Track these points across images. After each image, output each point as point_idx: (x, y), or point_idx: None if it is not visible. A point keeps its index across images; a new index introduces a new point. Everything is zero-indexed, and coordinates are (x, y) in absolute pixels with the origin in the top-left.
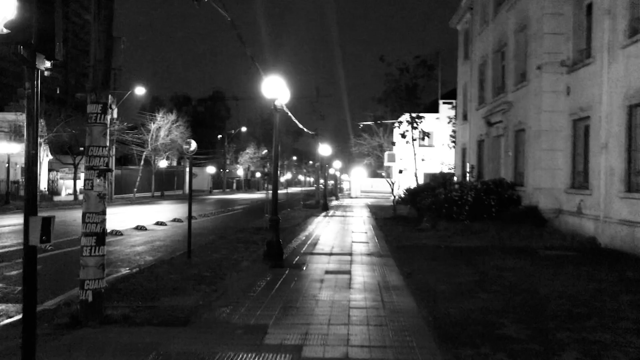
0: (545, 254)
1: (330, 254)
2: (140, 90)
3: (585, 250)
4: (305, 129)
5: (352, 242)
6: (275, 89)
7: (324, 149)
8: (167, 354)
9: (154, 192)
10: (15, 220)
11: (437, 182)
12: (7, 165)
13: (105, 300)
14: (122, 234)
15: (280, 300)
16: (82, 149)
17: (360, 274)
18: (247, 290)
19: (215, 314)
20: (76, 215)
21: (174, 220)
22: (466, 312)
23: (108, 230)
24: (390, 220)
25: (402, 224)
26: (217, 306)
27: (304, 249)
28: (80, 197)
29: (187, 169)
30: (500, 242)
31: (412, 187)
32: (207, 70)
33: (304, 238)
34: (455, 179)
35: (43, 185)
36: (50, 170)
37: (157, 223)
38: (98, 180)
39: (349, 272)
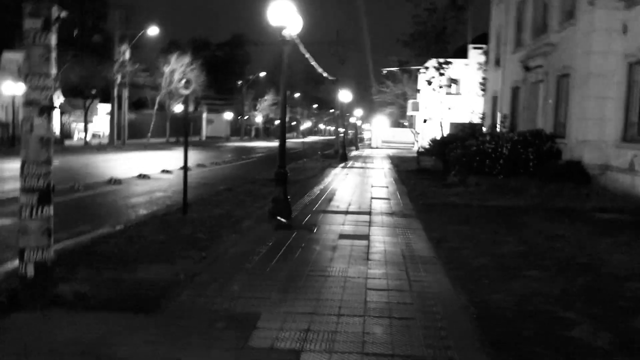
0: (597, 217)
1: (347, 213)
2: (153, 31)
3: None
4: (324, 73)
5: (372, 198)
6: (283, 14)
7: (344, 95)
8: None
9: (168, 137)
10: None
11: (465, 133)
12: (12, 106)
13: (71, 268)
14: (120, 183)
15: (280, 276)
16: (93, 91)
17: (381, 240)
18: (242, 260)
19: (196, 295)
20: (83, 161)
21: (182, 168)
22: (517, 299)
23: (106, 179)
24: (414, 174)
25: (427, 177)
26: (200, 282)
27: (316, 205)
28: (91, 140)
29: (204, 115)
30: (542, 202)
31: (437, 138)
32: (228, 14)
33: (318, 192)
34: (484, 129)
35: (56, 129)
36: (62, 113)
37: (164, 171)
38: (39, 120)
39: (367, 237)
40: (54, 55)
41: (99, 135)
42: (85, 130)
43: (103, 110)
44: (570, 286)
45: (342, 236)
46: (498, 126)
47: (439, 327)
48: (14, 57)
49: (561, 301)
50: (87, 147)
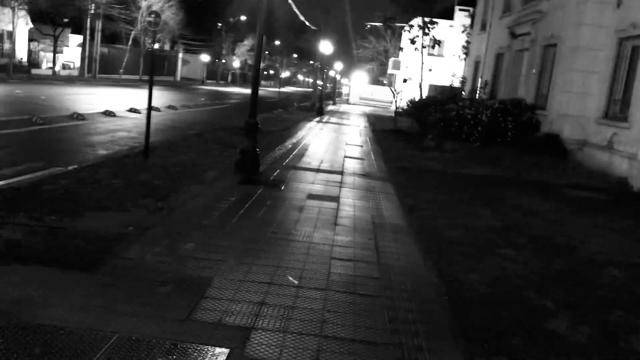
0: (572, 194)
1: (318, 170)
2: None
3: (616, 194)
4: (306, 22)
5: (345, 157)
6: None
7: (325, 47)
8: (27, 326)
9: (141, 75)
10: None
11: (445, 96)
12: None
13: (9, 211)
14: (84, 119)
15: (239, 236)
16: (65, 20)
17: (351, 203)
18: (201, 215)
19: (144, 251)
20: (48, 92)
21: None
22: (491, 280)
23: (69, 113)
24: (390, 134)
25: (403, 139)
26: (151, 237)
27: (287, 160)
28: (59, 71)
29: (180, 55)
30: (518, 174)
31: (416, 99)
32: None
33: (290, 146)
34: (463, 94)
35: (24, 56)
36: (30, 40)
37: (131, 110)
38: None
39: (337, 199)
40: None
41: (69, 67)
42: (54, 60)
43: (75, 41)
44: (547, 270)
45: (311, 196)
46: (478, 92)
47: (406, 309)
48: None
49: (538, 287)
50: (54, 78)
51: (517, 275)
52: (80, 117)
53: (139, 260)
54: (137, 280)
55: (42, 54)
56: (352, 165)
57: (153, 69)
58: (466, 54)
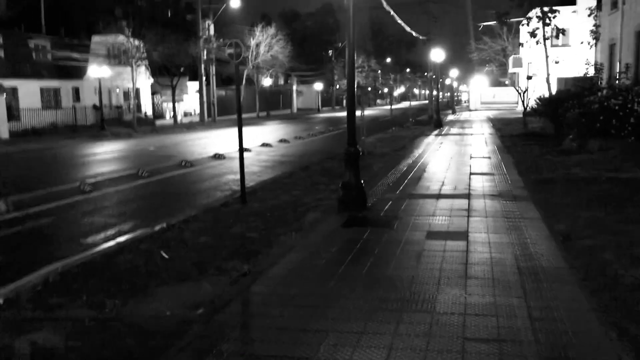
0: None
1: (439, 196)
2: (235, 3)
3: None
4: (413, 33)
5: (471, 173)
6: None
7: (437, 55)
8: None
9: (258, 112)
10: (110, 147)
11: (580, 88)
12: (99, 89)
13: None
14: (192, 165)
15: (335, 313)
16: (181, 69)
17: (484, 239)
18: (290, 280)
19: (202, 351)
20: (166, 141)
21: (263, 144)
22: None
23: (178, 162)
24: (520, 139)
25: (537, 143)
26: (218, 326)
27: (401, 187)
28: (181, 119)
29: (294, 87)
30: None
31: (545, 96)
32: None
33: (405, 169)
34: (600, 83)
35: (148, 109)
36: (153, 93)
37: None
38: None
39: (465, 236)
40: None
41: (190, 114)
42: (174, 108)
43: (193, 88)
44: None
45: (432, 235)
46: (618, 78)
47: None
48: (102, 39)
49: None
50: (176, 127)
51: None
52: (188, 164)
53: None
54: None
55: (164, 105)
56: (480, 184)
57: (240, 106)
58: (596, 39)
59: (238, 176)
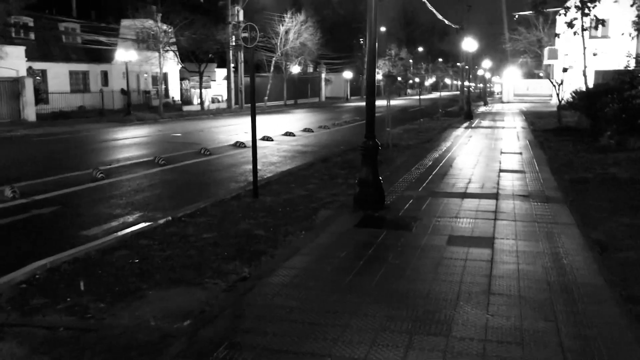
0: None
1: (464, 195)
2: None
3: None
4: (446, 21)
5: (500, 170)
6: None
7: (469, 44)
8: None
9: (286, 100)
10: (133, 133)
11: (621, 82)
12: (126, 74)
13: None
14: (210, 154)
15: (336, 334)
16: (210, 55)
17: (512, 247)
18: (291, 289)
19: None
20: (192, 127)
21: (286, 133)
22: None
23: (197, 149)
24: (554, 134)
25: (572, 139)
26: (202, 343)
27: (425, 183)
28: (209, 105)
29: (323, 75)
30: None
31: (582, 89)
32: None
33: (430, 163)
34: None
35: (176, 95)
36: (182, 79)
37: (263, 138)
38: None
39: (490, 242)
40: None
41: (218, 100)
42: (201, 95)
43: (221, 75)
44: None
45: (453, 240)
46: None
47: None
48: (131, 23)
49: None
50: (203, 113)
51: None
52: (207, 152)
53: None
54: None
55: (192, 91)
56: (510, 183)
57: (254, 94)
58: (638, 30)
59: (257, 167)
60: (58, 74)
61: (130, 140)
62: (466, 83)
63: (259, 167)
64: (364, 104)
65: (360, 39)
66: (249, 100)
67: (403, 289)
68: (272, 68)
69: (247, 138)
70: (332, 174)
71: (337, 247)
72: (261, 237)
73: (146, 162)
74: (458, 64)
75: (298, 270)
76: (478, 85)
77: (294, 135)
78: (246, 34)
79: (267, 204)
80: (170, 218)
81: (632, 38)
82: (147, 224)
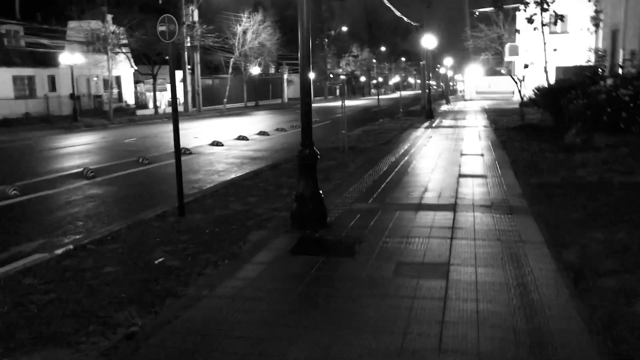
0: None
1: (418, 207)
2: None
3: None
4: (405, 19)
5: (460, 175)
6: None
7: (428, 41)
8: None
9: (246, 102)
10: (76, 140)
11: (582, 77)
12: (72, 78)
13: None
14: (149, 163)
15: None
16: (166, 57)
17: (471, 277)
18: (184, 352)
19: None
20: (137, 132)
21: (239, 137)
22: None
23: (136, 158)
24: (517, 132)
25: (536, 137)
26: None
27: (376, 193)
28: (162, 110)
29: (285, 76)
30: None
31: (544, 86)
32: None
33: (385, 168)
34: (600, 72)
35: (130, 99)
36: (136, 82)
37: (213, 143)
38: None
39: (445, 272)
40: None
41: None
42: (154, 99)
43: (178, 77)
44: None
45: (401, 268)
46: (621, 66)
47: None
48: (78, 25)
49: None
50: (157, 117)
51: None
52: (145, 161)
53: None
54: None
55: (148, 94)
56: (470, 190)
57: (175, 98)
58: (597, 25)
59: (197, 176)
60: (0, 79)
61: (70, 149)
62: (427, 81)
63: (200, 176)
64: (326, 104)
65: (324, 39)
66: (207, 103)
67: (333, 343)
68: (230, 69)
69: (196, 143)
70: (278, 184)
71: (261, 284)
72: (174, 270)
73: (73, 175)
74: (422, 63)
75: (198, 324)
76: (441, 83)
77: (247, 140)
78: (164, 28)
79: (194, 224)
80: (71, 247)
81: (591, 33)
82: (41, 255)
